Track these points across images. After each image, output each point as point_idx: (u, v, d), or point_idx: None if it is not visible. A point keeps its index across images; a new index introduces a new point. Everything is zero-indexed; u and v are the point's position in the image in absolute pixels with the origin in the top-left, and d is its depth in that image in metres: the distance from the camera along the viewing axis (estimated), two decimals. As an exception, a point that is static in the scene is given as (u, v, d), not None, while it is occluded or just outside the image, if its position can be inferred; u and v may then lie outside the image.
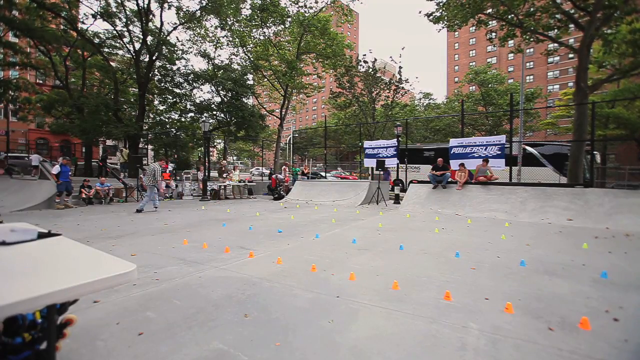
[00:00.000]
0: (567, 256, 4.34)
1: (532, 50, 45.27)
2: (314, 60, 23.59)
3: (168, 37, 18.95)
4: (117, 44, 19.24)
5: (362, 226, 6.63)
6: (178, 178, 16.51)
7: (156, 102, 23.65)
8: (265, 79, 24.24)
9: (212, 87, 22.35)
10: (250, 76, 24.59)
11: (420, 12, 13.90)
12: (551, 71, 53.53)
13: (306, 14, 20.95)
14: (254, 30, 21.59)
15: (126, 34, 17.81)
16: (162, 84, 21.45)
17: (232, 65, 22.84)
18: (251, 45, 22.59)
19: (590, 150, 11.11)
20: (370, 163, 13.22)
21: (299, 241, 5.14)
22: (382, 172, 11.96)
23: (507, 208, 8.33)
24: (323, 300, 2.76)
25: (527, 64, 52.39)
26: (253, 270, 3.54)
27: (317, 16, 21.06)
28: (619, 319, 2.43)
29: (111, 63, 20.10)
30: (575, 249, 4.79)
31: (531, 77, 53.43)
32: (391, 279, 3.22)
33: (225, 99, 22.11)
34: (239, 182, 14.45)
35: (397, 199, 11.63)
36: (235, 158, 48.88)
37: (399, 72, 24.27)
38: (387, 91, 25.22)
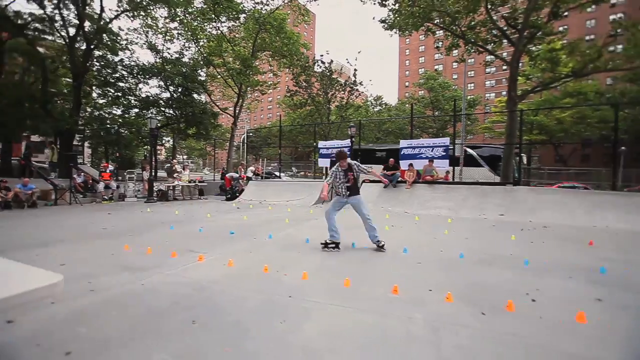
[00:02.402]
0: (498, 247, 4.84)
1: (473, 60, 49.47)
2: (270, 59, 23.22)
3: (110, 25, 17.24)
4: (46, 28, 16.97)
5: (315, 225, 6.69)
6: (120, 178, 15.19)
7: (95, 95, 21.40)
8: (219, 76, 23.30)
9: (160, 82, 20.86)
10: (202, 72, 23.45)
11: (374, 18, 14.50)
12: (488, 80, 59.04)
13: (262, 11, 20.55)
14: (206, 24, 20.61)
15: (58, 17, 15.82)
16: (102, 76, 19.44)
17: (183, 60, 21.55)
18: (204, 39, 21.54)
19: (518, 152, 12.45)
20: (324, 163, 13.40)
21: (251, 242, 5.04)
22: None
23: (451, 205, 9.02)
24: (276, 301, 2.74)
25: (469, 73, 56.99)
26: (202, 274, 3.39)
27: (273, 14, 20.78)
28: (536, 300, 2.79)
29: (38, 48, 17.70)
30: (505, 241, 5.36)
31: (472, 85, 58.38)
32: (343, 276, 3.30)
33: (174, 94, 20.76)
34: (189, 182, 13.71)
35: (351, 198, 11.92)
36: (185, 157, 46.29)
37: (354, 75, 24.97)
38: (342, 92, 25.80)
